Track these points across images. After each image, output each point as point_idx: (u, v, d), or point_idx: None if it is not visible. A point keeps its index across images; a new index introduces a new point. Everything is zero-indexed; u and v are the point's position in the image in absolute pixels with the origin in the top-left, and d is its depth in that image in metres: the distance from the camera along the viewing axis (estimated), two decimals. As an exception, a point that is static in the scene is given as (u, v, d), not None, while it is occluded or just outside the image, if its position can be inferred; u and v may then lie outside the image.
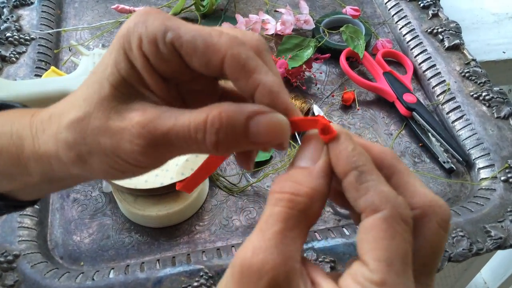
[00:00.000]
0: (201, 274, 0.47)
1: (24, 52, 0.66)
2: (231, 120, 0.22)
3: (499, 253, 0.84)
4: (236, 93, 0.28)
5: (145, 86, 0.25)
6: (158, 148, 0.24)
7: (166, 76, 0.25)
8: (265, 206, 0.51)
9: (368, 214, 0.21)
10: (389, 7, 0.78)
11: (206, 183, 0.55)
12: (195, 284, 0.46)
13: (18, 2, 0.73)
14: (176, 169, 0.50)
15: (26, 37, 0.68)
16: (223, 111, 0.23)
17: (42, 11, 0.73)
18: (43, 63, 0.66)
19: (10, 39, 0.67)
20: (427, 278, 0.22)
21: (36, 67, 0.65)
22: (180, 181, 0.34)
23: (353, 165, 0.22)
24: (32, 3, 0.74)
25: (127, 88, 0.24)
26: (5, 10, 0.72)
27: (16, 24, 0.70)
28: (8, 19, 0.70)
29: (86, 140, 0.25)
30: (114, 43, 0.25)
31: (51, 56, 0.68)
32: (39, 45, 0.68)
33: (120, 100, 0.24)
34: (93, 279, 0.46)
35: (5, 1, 0.73)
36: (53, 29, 0.72)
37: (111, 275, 0.47)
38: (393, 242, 0.20)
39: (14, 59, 0.65)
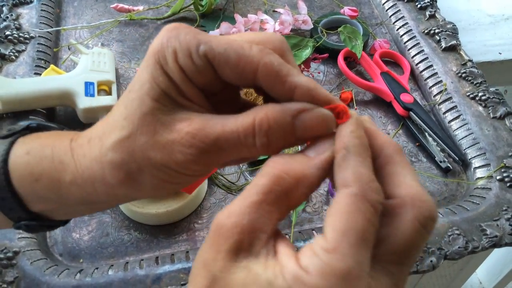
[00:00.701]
0: (200, 271, 0.47)
1: (23, 50, 0.67)
2: (278, 120, 0.24)
3: (495, 253, 0.85)
4: (255, 103, 0.29)
5: (184, 97, 0.26)
6: (210, 155, 0.25)
7: (200, 87, 0.26)
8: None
9: (339, 190, 0.22)
10: (386, 7, 0.78)
11: (205, 181, 0.56)
12: (194, 281, 0.46)
13: (17, 1, 0.73)
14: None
15: (26, 36, 0.68)
16: (268, 112, 0.24)
17: (42, 10, 0.73)
18: (42, 61, 0.66)
19: (9, 37, 0.67)
20: (393, 267, 0.22)
21: (36, 66, 0.65)
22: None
23: (344, 145, 0.23)
24: (31, 1, 0.74)
25: (168, 101, 0.25)
26: (4, 8, 0.72)
27: (15, 22, 0.70)
28: (7, 17, 0.70)
29: (135, 158, 0.25)
30: (147, 60, 0.25)
31: (51, 54, 0.69)
32: (38, 43, 0.68)
33: (163, 113, 0.25)
34: (92, 276, 0.47)
35: (5, -1, 0.73)
36: (52, 27, 0.72)
37: (110, 272, 0.47)
38: (353, 216, 0.21)
39: (13, 57, 0.66)
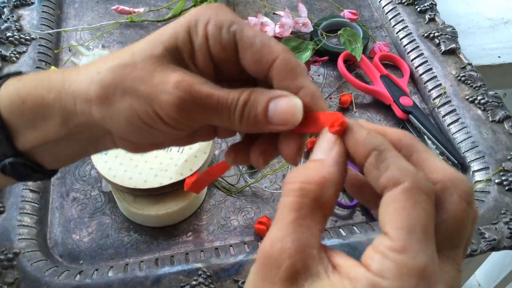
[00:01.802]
0: (200, 273, 0.47)
1: (24, 52, 0.67)
2: (257, 97, 0.26)
3: (493, 256, 0.85)
4: None
5: (194, 62, 0.28)
6: (194, 108, 0.26)
7: (215, 61, 0.28)
8: (262, 206, 0.52)
9: (389, 188, 0.21)
10: (386, 11, 0.79)
11: (204, 183, 0.56)
12: (194, 283, 0.46)
13: (18, 2, 0.73)
14: (175, 169, 0.50)
15: (27, 37, 0.68)
16: (253, 91, 0.26)
17: (43, 11, 0.73)
18: (43, 63, 0.66)
19: (10, 38, 0.67)
20: (452, 252, 0.22)
21: (37, 67, 0.65)
22: (188, 177, 0.35)
23: (372, 147, 0.23)
24: (32, 3, 0.74)
25: (178, 55, 0.27)
26: (5, 10, 0.72)
27: (16, 24, 0.70)
28: (8, 18, 0.71)
29: (123, 84, 0.27)
30: (179, 20, 0.28)
31: (51, 56, 0.69)
32: (39, 45, 0.68)
33: (169, 62, 0.27)
34: (92, 277, 0.47)
35: (6, 1, 0.73)
36: (53, 29, 0.72)
37: (110, 274, 0.48)
38: (414, 211, 0.20)
39: (14, 58, 0.66)
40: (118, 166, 0.50)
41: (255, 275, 0.22)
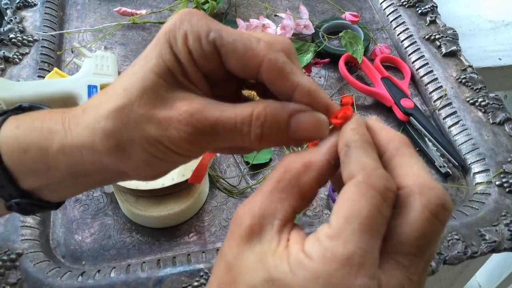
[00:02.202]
0: (201, 274, 0.47)
1: (27, 53, 0.67)
2: (274, 115, 0.25)
3: (494, 257, 0.85)
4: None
5: (188, 78, 0.27)
6: (204, 137, 0.26)
7: (205, 72, 0.27)
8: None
9: (346, 182, 0.22)
10: (387, 13, 0.79)
11: (206, 185, 0.56)
12: (195, 284, 0.47)
13: (21, 4, 0.74)
14: (177, 170, 0.51)
15: (29, 39, 0.69)
16: (268, 106, 0.25)
17: (45, 13, 0.73)
18: (46, 64, 0.67)
19: (13, 40, 0.68)
20: (404, 258, 0.21)
21: (39, 68, 0.66)
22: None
23: (345, 142, 0.24)
24: (35, 4, 0.74)
25: (171, 79, 0.26)
26: (8, 11, 0.72)
27: (19, 25, 0.70)
28: (11, 20, 0.71)
29: (128, 128, 0.26)
30: (158, 38, 0.26)
31: (54, 57, 0.69)
32: (42, 46, 0.69)
33: (165, 90, 0.26)
34: (94, 278, 0.47)
35: (9, 2, 0.74)
36: (55, 30, 0.73)
37: (112, 274, 0.48)
38: (358, 203, 0.21)
39: (17, 60, 0.66)
40: None
41: (230, 226, 0.24)
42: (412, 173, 0.23)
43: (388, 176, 0.22)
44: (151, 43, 0.27)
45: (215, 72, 0.27)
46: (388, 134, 0.25)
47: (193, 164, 0.51)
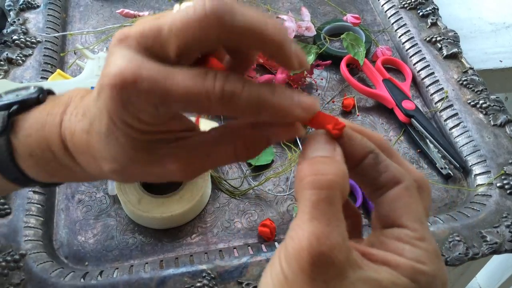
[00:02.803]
0: (204, 275, 0.48)
1: (30, 54, 0.68)
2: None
3: (495, 258, 0.85)
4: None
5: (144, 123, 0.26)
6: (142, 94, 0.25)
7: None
8: (266, 208, 0.52)
9: (391, 186, 0.25)
10: (389, 15, 0.79)
11: (208, 186, 0.56)
12: (198, 284, 0.47)
13: (24, 5, 0.74)
14: None
15: (33, 40, 0.69)
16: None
17: (48, 15, 0.74)
18: (49, 66, 0.67)
19: (16, 41, 0.68)
20: (420, 225, 0.25)
21: (42, 70, 0.66)
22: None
23: (369, 149, 0.25)
24: (38, 6, 0.75)
25: (146, 137, 0.27)
26: (11, 13, 0.73)
27: (22, 27, 0.71)
28: (14, 22, 0.71)
29: (133, 179, 0.30)
30: (109, 120, 0.26)
31: (57, 59, 0.69)
32: (45, 48, 0.69)
33: (147, 146, 0.27)
34: (97, 279, 0.47)
35: (12, 4, 0.74)
36: (58, 32, 0.73)
37: (115, 275, 0.48)
38: (418, 205, 0.25)
39: (20, 61, 0.66)
40: None
41: (299, 276, 0.21)
42: (412, 170, 0.27)
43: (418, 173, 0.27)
44: (103, 118, 0.26)
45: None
46: (377, 136, 0.27)
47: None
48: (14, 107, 0.32)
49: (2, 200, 0.52)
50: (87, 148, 0.29)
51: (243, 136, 0.27)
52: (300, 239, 0.21)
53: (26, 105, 0.33)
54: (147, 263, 0.50)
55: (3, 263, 0.47)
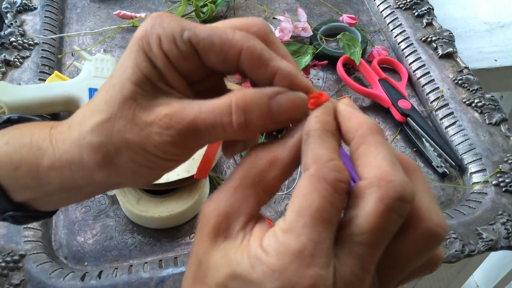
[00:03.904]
0: (203, 274, 0.48)
1: (28, 56, 0.68)
2: (254, 100, 0.24)
3: (491, 257, 0.86)
4: None
5: (166, 83, 0.26)
6: (187, 137, 0.25)
7: (183, 73, 0.26)
8: (263, 208, 0.52)
9: (302, 174, 0.23)
10: (384, 15, 0.80)
11: (207, 186, 0.57)
12: (197, 283, 0.47)
13: (21, 8, 0.74)
14: (182, 167, 0.51)
15: (30, 42, 0.69)
16: (246, 93, 0.24)
17: (45, 17, 0.74)
18: (46, 67, 0.67)
19: (14, 43, 0.68)
20: (361, 249, 0.22)
21: (40, 72, 0.66)
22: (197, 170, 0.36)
23: (305, 131, 0.24)
24: (35, 8, 0.75)
25: (149, 86, 0.26)
26: (8, 15, 0.73)
27: (20, 29, 0.71)
28: (11, 24, 0.71)
29: (113, 140, 0.26)
30: (131, 47, 0.26)
31: (55, 60, 0.70)
32: (42, 50, 0.69)
33: (144, 98, 0.26)
34: (97, 279, 0.48)
35: (9, 6, 0.74)
36: (56, 34, 0.73)
37: (114, 275, 0.48)
38: (308, 197, 0.22)
39: (18, 63, 0.67)
40: None
41: (198, 226, 0.25)
42: (374, 164, 0.23)
43: (340, 167, 0.22)
44: (126, 52, 0.26)
45: (194, 71, 0.27)
46: (357, 120, 0.24)
47: (198, 162, 0.52)
48: None
49: (1, 201, 0.52)
50: (79, 116, 0.28)
51: (242, 90, 0.25)
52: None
53: None
54: (146, 263, 0.50)
55: (3, 264, 0.47)
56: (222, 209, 0.24)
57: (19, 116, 0.34)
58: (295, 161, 0.25)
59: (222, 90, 0.29)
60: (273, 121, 0.25)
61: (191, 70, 0.26)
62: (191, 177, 0.51)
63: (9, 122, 0.32)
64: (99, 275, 0.48)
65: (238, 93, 0.25)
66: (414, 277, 0.25)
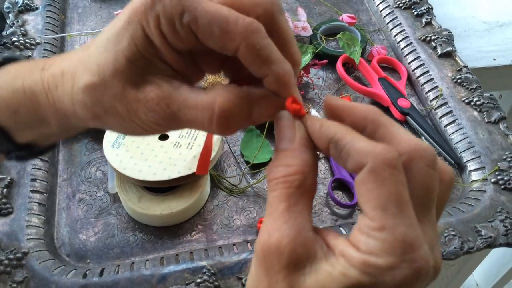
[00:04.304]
0: (204, 271, 0.48)
1: (30, 56, 0.68)
2: (238, 105, 0.25)
3: (491, 256, 0.86)
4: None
5: (162, 60, 0.26)
6: (170, 122, 0.26)
7: (180, 50, 0.26)
8: (264, 206, 0.53)
9: (357, 171, 0.23)
10: (384, 15, 0.80)
11: (208, 184, 0.57)
12: (198, 280, 0.48)
13: (23, 8, 0.75)
14: (184, 164, 0.52)
15: (32, 42, 0.70)
16: (230, 98, 0.25)
17: (47, 16, 0.74)
18: (48, 67, 0.68)
19: (16, 43, 0.69)
20: (427, 213, 0.23)
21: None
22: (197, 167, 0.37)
23: (327, 140, 0.24)
24: (37, 8, 0.75)
25: (143, 62, 0.26)
26: (10, 15, 0.73)
27: (21, 29, 0.71)
28: (13, 24, 0.72)
29: (103, 104, 0.27)
30: (130, 16, 0.25)
31: (56, 60, 0.70)
32: (44, 49, 0.69)
33: (136, 73, 0.26)
34: (99, 276, 0.48)
35: (11, 6, 0.74)
36: (57, 34, 0.74)
37: (116, 272, 0.49)
38: (383, 188, 0.21)
39: (20, 63, 0.67)
40: (128, 159, 0.53)
41: (257, 268, 0.23)
42: (404, 139, 0.23)
43: (388, 147, 0.22)
44: (122, 19, 0.26)
45: (192, 48, 0.26)
46: (360, 109, 0.25)
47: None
48: None
49: (4, 200, 0.53)
50: (72, 65, 0.28)
51: (227, 92, 0.25)
52: (259, 236, 0.23)
53: None
54: (147, 260, 0.50)
55: (6, 261, 0.48)
56: (290, 234, 0.22)
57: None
58: (315, 157, 0.25)
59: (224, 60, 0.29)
60: (251, 122, 0.26)
61: (188, 48, 0.26)
62: (193, 174, 0.52)
63: None
64: (101, 273, 0.49)
65: (223, 94, 0.25)
66: (444, 206, 0.25)
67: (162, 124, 0.26)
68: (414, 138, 0.24)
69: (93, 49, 0.27)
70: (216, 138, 0.54)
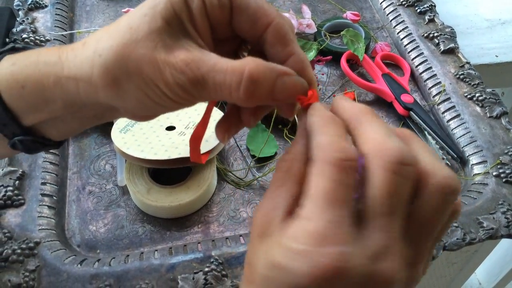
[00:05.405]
0: (212, 260, 0.50)
1: (39, 52, 0.69)
2: (266, 74, 0.26)
3: (494, 254, 0.87)
4: None
5: (194, 26, 0.27)
6: (196, 86, 0.26)
7: (212, 24, 0.27)
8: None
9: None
10: (387, 12, 0.81)
11: (214, 177, 0.58)
12: (206, 269, 0.49)
13: (32, 5, 0.76)
14: (185, 148, 0.53)
15: (42, 39, 0.71)
16: (259, 65, 0.26)
17: (56, 14, 0.76)
18: (58, 63, 0.69)
19: (26, 40, 0.70)
20: (381, 219, 0.23)
21: (51, 67, 0.68)
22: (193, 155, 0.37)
23: (308, 127, 0.26)
24: (46, 6, 0.77)
25: (177, 25, 0.27)
26: (20, 12, 0.75)
27: (31, 26, 0.73)
28: (23, 21, 0.73)
29: (128, 65, 0.26)
30: None
31: (65, 56, 0.71)
32: (53, 46, 0.71)
33: (169, 35, 0.26)
34: (110, 265, 0.49)
35: (21, 4, 0.76)
36: (66, 31, 0.75)
37: (126, 262, 0.50)
38: (317, 181, 0.23)
39: (30, 59, 0.68)
40: (133, 141, 0.55)
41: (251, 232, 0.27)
42: (370, 138, 0.24)
43: (342, 147, 0.23)
44: None
45: (221, 27, 0.28)
46: (349, 107, 0.26)
47: (203, 147, 0.53)
48: None
49: (16, 191, 0.54)
50: (95, 36, 0.28)
51: (256, 60, 0.26)
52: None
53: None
54: (156, 250, 0.52)
55: (19, 251, 0.49)
56: (264, 209, 0.25)
57: (24, 45, 0.34)
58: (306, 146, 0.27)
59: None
60: (273, 98, 0.26)
61: (219, 24, 0.27)
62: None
63: (14, 50, 0.33)
64: (111, 262, 0.50)
65: (253, 62, 0.26)
66: (443, 234, 0.26)
67: (187, 88, 0.26)
68: (380, 138, 0.23)
69: (125, 19, 0.27)
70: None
